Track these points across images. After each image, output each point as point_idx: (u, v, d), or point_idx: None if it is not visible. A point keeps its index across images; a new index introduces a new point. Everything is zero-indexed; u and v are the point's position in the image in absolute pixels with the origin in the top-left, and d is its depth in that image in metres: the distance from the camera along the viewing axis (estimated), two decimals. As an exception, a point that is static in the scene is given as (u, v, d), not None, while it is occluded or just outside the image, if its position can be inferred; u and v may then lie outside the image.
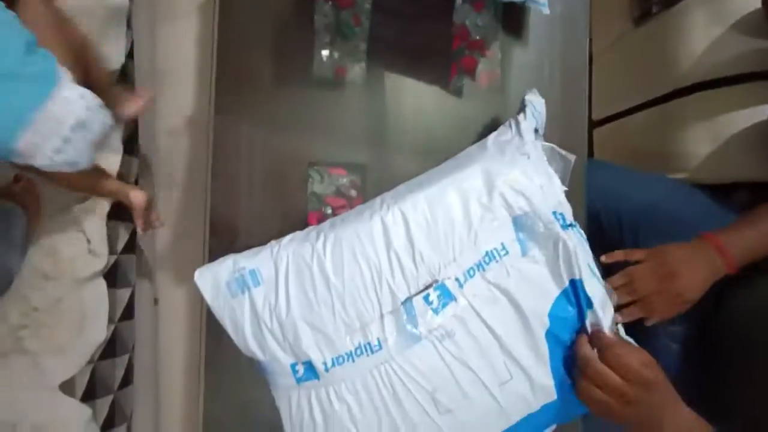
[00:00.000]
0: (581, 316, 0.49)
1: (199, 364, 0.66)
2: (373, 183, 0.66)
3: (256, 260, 0.51)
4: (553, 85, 0.70)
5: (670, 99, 0.85)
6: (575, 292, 0.48)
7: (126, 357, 0.84)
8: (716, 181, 0.77)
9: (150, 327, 0.89)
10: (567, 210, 0.50)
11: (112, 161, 0.76)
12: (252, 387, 0.60)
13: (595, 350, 0.46)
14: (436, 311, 0.48)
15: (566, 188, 0.52)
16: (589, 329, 0.48)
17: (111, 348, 0.81)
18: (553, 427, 0.56)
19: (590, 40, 0.73)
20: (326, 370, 0.49)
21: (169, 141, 0.88)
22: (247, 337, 0.50)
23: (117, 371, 0.82)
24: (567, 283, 0.48)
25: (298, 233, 0.55)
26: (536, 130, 0.56)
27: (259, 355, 0.50)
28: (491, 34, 0.69)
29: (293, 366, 0.49)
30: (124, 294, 0.83)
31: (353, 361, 0.48)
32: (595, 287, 0.48)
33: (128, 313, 0.84)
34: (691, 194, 0.74)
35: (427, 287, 0.48)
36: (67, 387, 0.75)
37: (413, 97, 0.68)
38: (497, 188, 0.49)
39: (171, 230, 0.87)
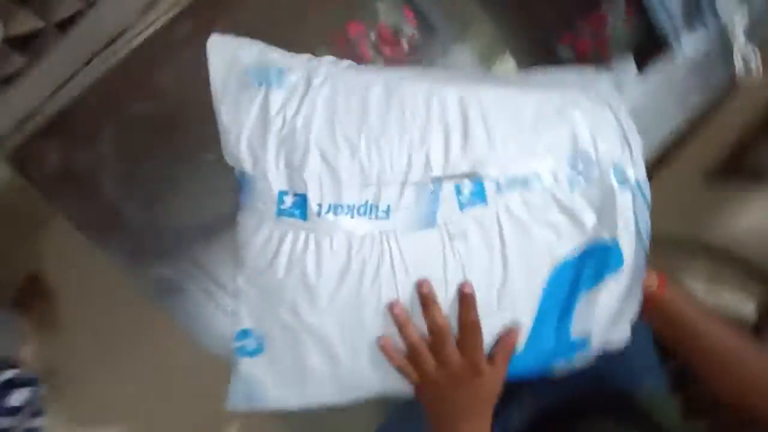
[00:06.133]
0: (576, 287, 0.42)
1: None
2: (429, 53, 0.62)
3: (287, 61, 0.41)
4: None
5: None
6: (596, 253, 0.42)
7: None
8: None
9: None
10: (630, 168, 0.42)
11: None
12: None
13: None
14: (462, 206, 0.40)
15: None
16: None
17: None
18: None
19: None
20: (318, 213, 0.39)
21: None
22: (241, 138, 0.40)
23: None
24: (595, 238, 0.41)
25: (345, 60, 0.44)
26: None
27: (247, 165, 0.40)
28: (618, 43, 0.67)
29: (282, 194, 0.39)
30: None
31: (352, 217, 0.39)
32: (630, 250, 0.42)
33: None
34: None
35: (464, 176, 0.40)
36: None
37: (522, 26, 0.66)
38: (569, 114, 0.42)
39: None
